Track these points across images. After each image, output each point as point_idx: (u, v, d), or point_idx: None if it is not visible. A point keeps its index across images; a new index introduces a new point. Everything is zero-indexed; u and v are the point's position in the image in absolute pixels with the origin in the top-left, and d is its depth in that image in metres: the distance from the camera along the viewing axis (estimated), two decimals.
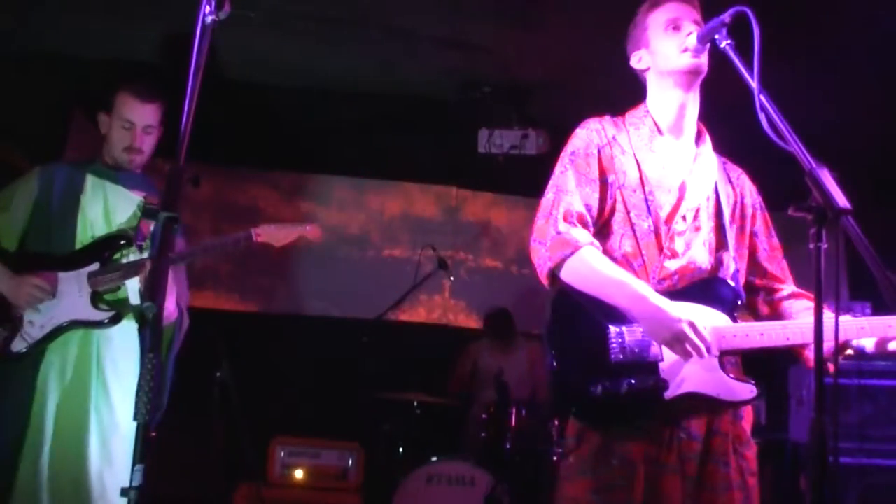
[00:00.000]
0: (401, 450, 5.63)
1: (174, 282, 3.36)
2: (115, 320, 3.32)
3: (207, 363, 5.81)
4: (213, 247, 3.38)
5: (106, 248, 3.36)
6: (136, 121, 3.43)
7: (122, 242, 3.37)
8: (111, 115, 3.45)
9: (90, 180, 3.45)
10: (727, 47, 2.23)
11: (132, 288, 3.31)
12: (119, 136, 3.43)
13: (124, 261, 3.35)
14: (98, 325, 3.31)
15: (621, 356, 2.37)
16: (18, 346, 3.25)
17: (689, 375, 2.36)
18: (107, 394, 3.30)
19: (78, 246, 3.36)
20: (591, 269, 2.38)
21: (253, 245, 3.38)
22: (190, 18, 1.98)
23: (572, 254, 2.38)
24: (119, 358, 3.36)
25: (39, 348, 3.26)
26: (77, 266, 3.33)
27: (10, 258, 3.33)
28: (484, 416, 5.57)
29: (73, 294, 3.30)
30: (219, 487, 5.50)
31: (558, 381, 2.41)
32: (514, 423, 5.33)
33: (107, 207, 3.44)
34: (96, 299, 3.31)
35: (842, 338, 2.33)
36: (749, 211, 2.64)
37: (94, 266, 3.33)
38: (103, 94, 3.50)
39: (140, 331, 3.41)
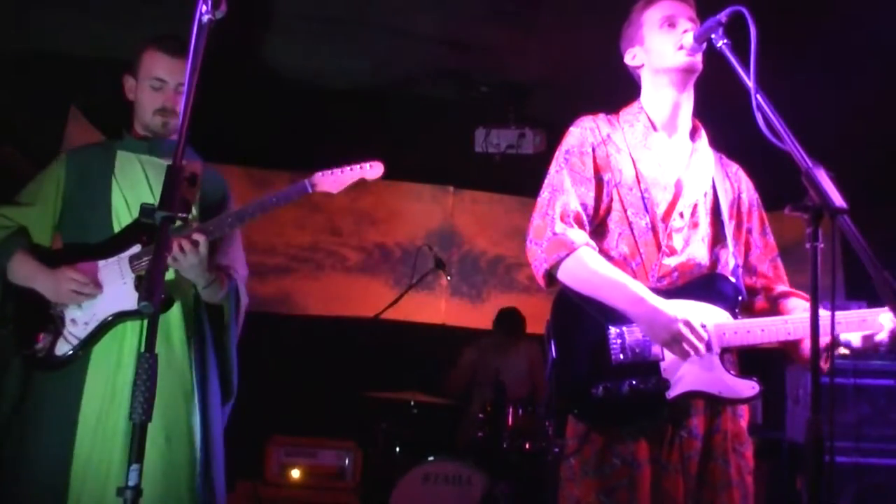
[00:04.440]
0: (397, 449, 5.63)
1: (229, 247, 3.11)
2: (165, 306, 2.94)
3: None
4: (266, 204, 2.98)
5: (145, 227, 2.93)
6: (168, 78, 3.02)
7: None
8: (138, 77, 3.07)
9: (121, 157, 3.08)
10: (724, 47, 2.23)
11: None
12: (149, 98, 3.04)
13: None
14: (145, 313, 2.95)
15: (622, 357, 2.38)
16: (63, 348, 2.89)
17: (690, 374, 2.36)
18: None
19: (117, 229, 3.00)
20: (587, 270, 2.38)
21: (310, 196, 3.05)
22: (188, 18, 1.98)
23: (568, 255, 2.38)
24: (165, 347, 2.97)
25: (87, 349, 2.90)
26: (116, 251, 2.96)
27: (45, 253, 3.01)
28: (481, 415, 5.57)
29: (115, 283, 2.93)
30: None
31: (559, 382, 2.41)
32: (510, 423, 5.33)
33: (150, 183, 3.07)
34: (140, 284, 2.90)
35: (823, 334, 2.34)
36: (745, 207, 2.64)
37: (135, 248, 2.95)
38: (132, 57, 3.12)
39: (196, 310, 3.08)
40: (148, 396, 1.79)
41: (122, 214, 3.03)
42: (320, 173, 3.06)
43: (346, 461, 5.42)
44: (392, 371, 6.21)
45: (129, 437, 2.72)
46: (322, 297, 7.45)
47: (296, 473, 5.39)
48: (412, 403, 5.72)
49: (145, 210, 1.85)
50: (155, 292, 1.79)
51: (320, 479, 5.40)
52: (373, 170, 3.14)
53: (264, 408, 6.23)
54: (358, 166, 3.12)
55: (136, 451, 1.76)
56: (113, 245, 2.98)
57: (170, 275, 2.95)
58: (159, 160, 3.09)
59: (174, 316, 3.01)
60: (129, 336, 2.94)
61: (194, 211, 3.07)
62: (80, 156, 3.15)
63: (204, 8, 1.97)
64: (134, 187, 3.06)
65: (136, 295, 2.89)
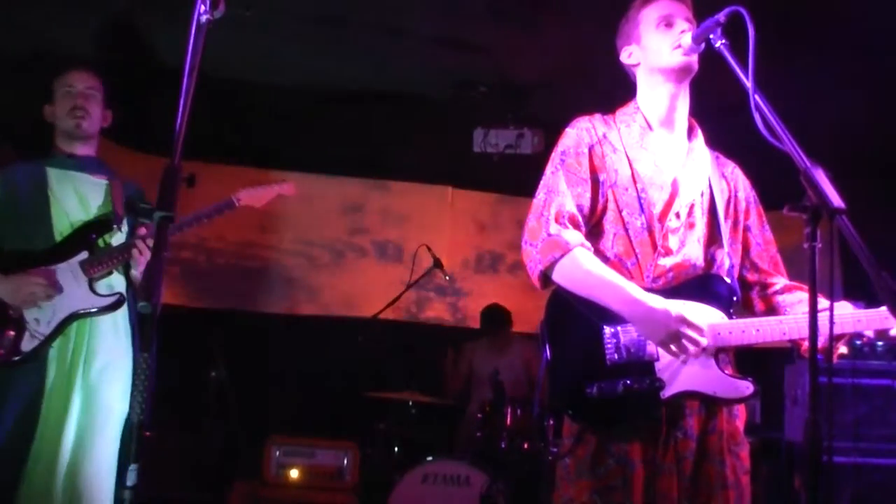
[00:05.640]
0: (396, 449, 5.64)
1: None
2: (117, 305, 3.33)
3: (203, 363, 5.82)
4: (195, 219, 3.38)
5: (89, 234, 3.38)
6: (75, 83, 3.50)
7: (104, 227, 3.40)
8: (54, 97, 3.52)
9: (52, 173, 3.45)
10: (722, 47, 2.23)
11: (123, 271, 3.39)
12: (62, 104, 3.49)
13: (111, 244, 3.38)
14: (100, 311, 3.32)
15: (617, 357, 2.37)
16: (29, 344, 3.22)
17: (686, 374, 2.36)
18: (92, 384, 3.28)
19: (58, 238, 3.37)
20: (582, 270, 2.38)
21: (235, 210, 3.49)
22: (187, 18, 1.98)
23: (563, 255, 2.38)
24: (109, 345, 3.36)
25: (48, 345, 3.25)
26: (66, 256, 3.33)
27: None
28: (479, 415, 5.58)
29: (70, 285, 3.30)
30: (214, 486, 5.50)
31: (553, 382, 2.41)
32: (509, 423, 5.34)
33: (79, 195, 3.46)
34: (92, 286, 3.32)
35: (840, 330, 2.36)
36: (742, 205, 2.64)
37: (84, 254, 3.34)
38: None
39: (131, 310, 3.43)
40: (147, 396, 1.79)
41: (63, 226, 3.40)
42: (244, 190, 3.52)
43: (345, 461, 5.42)
44: (391, 371, 6.21)
45: (55, 424, 3.19)
46: (320, 297, 7.45)
47: (294, 473, 5.38)
48: (411, 404, 5.73)
49: (143, 210, 1.86)
50: (154, 292, 1.79)
51: (319, 479, 5.39)
52: (287, 188, 3.68)
53: (263, 408, 6.25)
54: (276, 185, 3.64)
55: (135, 450, 1.76)
56: (59, 252, 3.35)
57: (113, 277, 3.39)
58: (89, 176, 3.51)
59: (121, 311, 3.39)
60: (78, 332, 3.32)
61: (124, 226, 3.44)
62: (11, 173, 3.49)
63: (202, 8, 1.97)
64: (69, 201, 3.44)
65: (91, 295, 3.31)
